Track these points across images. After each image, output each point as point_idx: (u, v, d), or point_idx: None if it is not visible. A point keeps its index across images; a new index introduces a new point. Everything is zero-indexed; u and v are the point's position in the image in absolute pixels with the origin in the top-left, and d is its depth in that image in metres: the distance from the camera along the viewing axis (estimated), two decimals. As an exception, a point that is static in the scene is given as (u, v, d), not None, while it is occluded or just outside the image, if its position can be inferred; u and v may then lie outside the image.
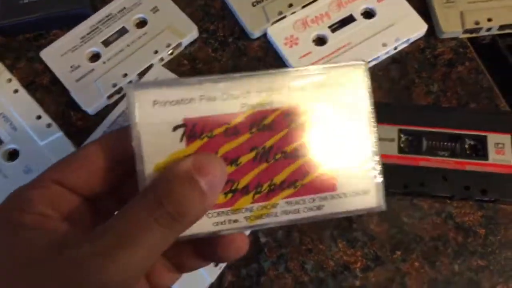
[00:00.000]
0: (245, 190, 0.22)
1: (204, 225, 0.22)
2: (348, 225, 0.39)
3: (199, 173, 0.20)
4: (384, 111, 0.40)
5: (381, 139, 0.39)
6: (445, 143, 0.40)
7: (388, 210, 0.38)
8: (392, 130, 0.40)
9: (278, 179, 0.22)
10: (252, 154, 0.22)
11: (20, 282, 0.18)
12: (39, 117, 0.41)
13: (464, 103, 0.42)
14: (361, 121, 0.23)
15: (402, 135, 0.40)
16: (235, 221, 0.22)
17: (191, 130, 0.21)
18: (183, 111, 0.21)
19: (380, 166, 0.23)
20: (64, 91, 0.43)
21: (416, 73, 0.44)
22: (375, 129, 0.23)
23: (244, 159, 0.22)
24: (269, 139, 0.22)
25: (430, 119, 0.40)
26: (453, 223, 0.38)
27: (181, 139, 0.21)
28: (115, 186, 0.22)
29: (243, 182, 0.22)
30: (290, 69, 0.23)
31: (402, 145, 0.40)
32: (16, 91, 0.42)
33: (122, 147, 0.21)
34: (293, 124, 0.22)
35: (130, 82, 0.42)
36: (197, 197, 0.19)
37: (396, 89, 0.43)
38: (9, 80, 0.42)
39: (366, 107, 0.23)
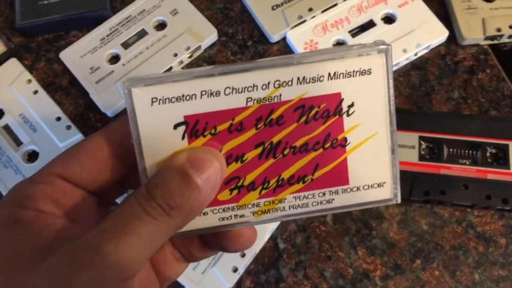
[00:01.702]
0: (251, 187, 0.22)
1: (209, 220, 0.22)
2: (367, 232, 0.38)
3: (193, 167, 0.19)
4: (404, 118, 0.40)
5: (401, 146, 0.39)
6: (466, 151, 0.39)
7: (408, 218, 0.38)
8: (413, 137, 0.40)
9: (286, 174, 0.22)
10: (258, 150, 0.21)
11: (10, 278, 0.18)
12: (58, 119, 0.41)
13: (485, 111, 0.42)
14: (377, 112, 0.21)
15: (422, 142, 0.40)
16: (242, 216, 0.22)
17: (193, 127, 0.20)
18: (184, 108, 0.20)
19: (397, 157, 0.22)
20: (83, 92, 0.42)
21: (436, 80, 0.43)
22: (394, 118, 0.22)
23: (249, 156, 0.21)
24: (277, 134, 0.21)
25: (450, 127, 0.40)
26: (474, 232, 0.38)
27: (183, 137, 0.20)
28: (121, 178, 0.22)
29: (249, 178, 0.21)
30: (300, 54, 0.21)
31: (422, 153, 0.40)
32: (35, 92, 0.42)
33: (127, 137, 0.21)
34: (303, 117, 0.21)
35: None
36: (191, 192, 0.19)
37: (416, 96, 0.43)
38: (29, 81, 0.42)
39: (385, 96, 0.21)
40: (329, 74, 0.21)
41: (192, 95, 0.20)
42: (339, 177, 0.22)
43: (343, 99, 0.21)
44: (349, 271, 0.37)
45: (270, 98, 0.21)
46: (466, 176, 0.38)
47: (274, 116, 0.21)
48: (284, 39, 0.45)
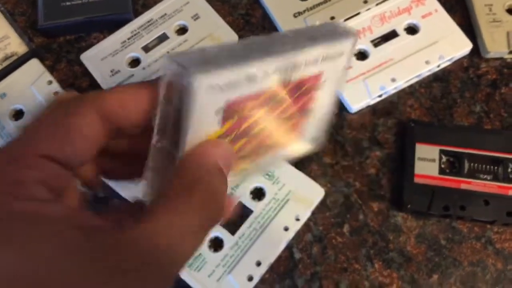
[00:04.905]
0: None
1: None
2: (384, 245, 0.38)
3: (225, 166, 0.21)
4: (425, 131, 0.40)
5: (421, 159, 0.39)
6: (488, 167, 0.39)
7: (426, 232, 0.38)
8: (433, 150, 0.39)
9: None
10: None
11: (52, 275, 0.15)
12: (78, 121, 0.41)
13: (508, 126, 0.41)
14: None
15: (443, 156, 0.39)
16: None
17: (227, 111, 0.21)
18: (228, 93, 0.20)
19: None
20: (103, 95, 0.42)
21: (458, 93, 0.43)
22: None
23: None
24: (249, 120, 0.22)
25: (472, 141, 0.40)
26: (493, 248, 0.38)
27: (219, 122, 0.21)
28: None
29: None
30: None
31: (443, 166, 0.39)
32: (56, 93, 0.42)
33: (123, 111, 0.19)
34: (296, 94, 0.23)
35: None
36: (225, 186, 0.20)
37: (437, 108, 0.42)
38: (50, 82, 0.42)
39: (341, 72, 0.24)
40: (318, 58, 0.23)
41: (237, 80, 0.20)
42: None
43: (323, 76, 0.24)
44: (365, 284, 0.37)
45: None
46: (487, 192, 0.38)
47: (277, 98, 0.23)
48: (305, 47, 0.44)
